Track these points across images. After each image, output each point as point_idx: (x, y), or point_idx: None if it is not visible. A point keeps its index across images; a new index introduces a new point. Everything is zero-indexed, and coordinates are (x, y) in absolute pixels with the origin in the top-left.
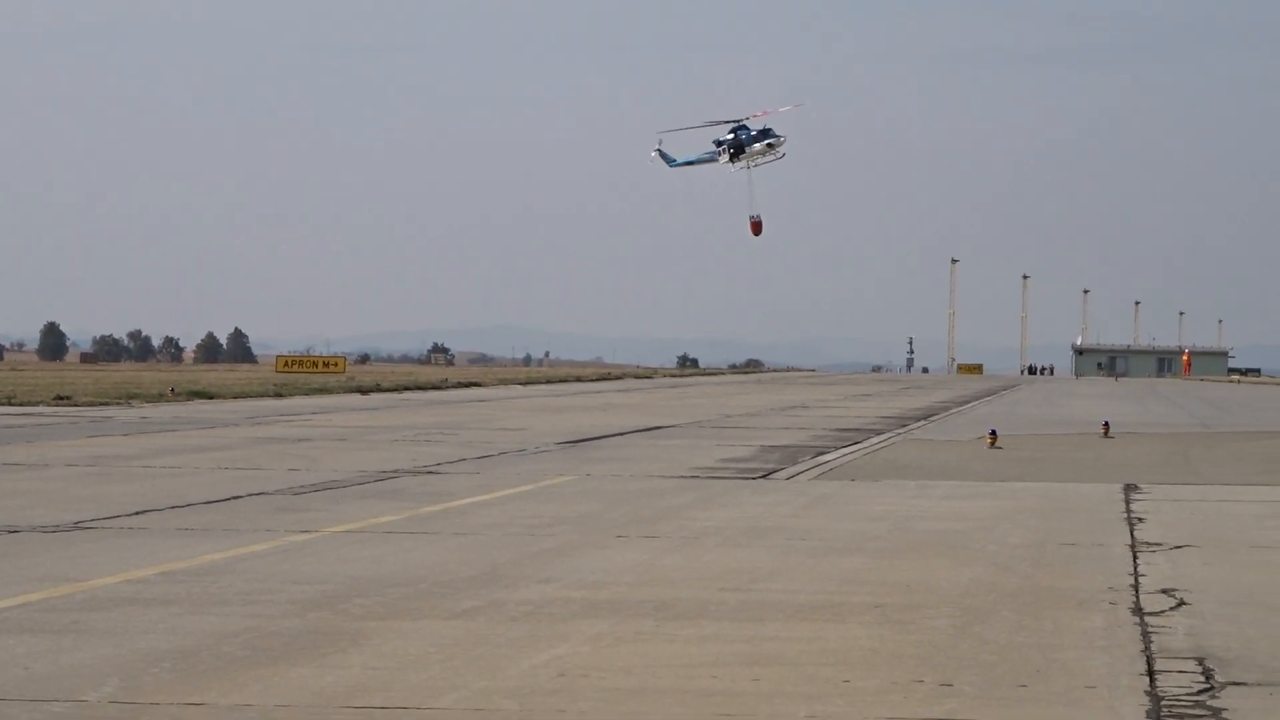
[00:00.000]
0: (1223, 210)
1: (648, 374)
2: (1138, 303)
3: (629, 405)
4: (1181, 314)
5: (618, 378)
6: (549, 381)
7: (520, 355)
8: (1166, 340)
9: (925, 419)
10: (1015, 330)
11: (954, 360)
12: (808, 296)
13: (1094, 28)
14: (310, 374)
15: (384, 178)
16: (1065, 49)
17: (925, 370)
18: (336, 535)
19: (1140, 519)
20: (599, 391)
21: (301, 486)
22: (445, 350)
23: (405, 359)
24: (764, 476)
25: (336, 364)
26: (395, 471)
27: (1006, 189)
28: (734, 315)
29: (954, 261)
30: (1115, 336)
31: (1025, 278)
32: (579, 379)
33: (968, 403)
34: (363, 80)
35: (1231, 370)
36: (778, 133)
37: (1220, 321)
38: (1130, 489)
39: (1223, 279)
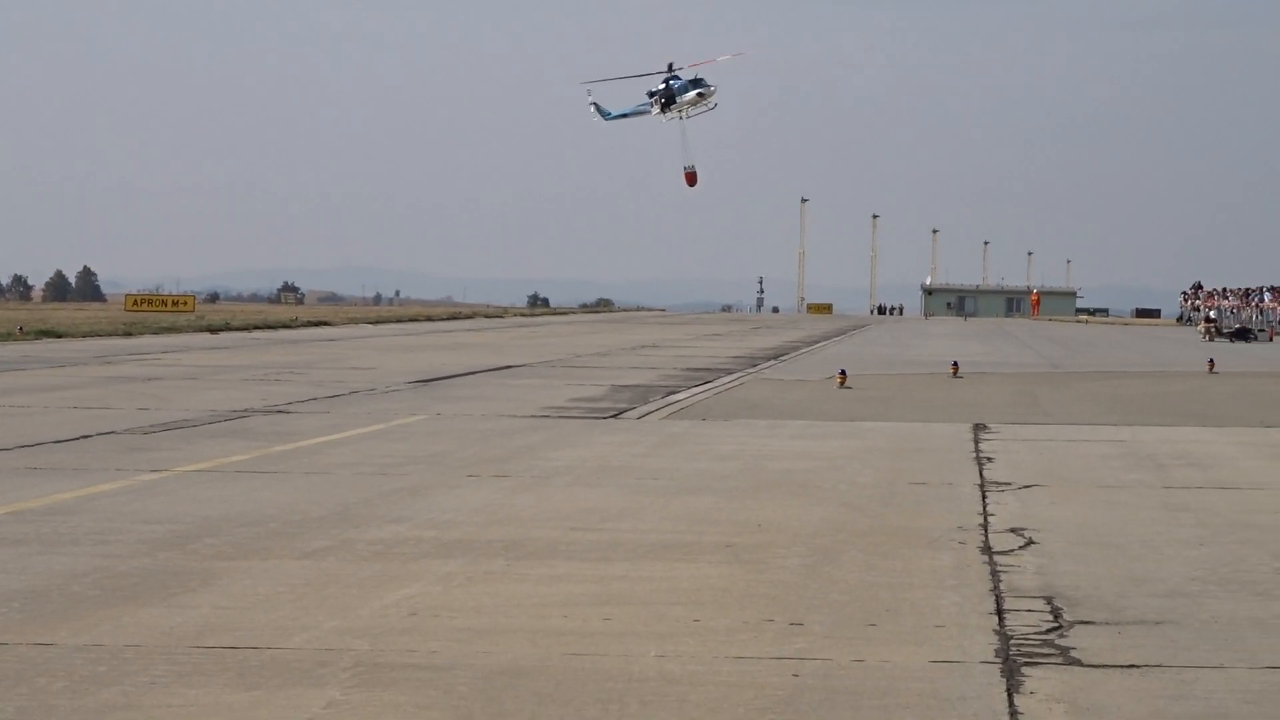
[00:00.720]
0: (1070, 152)
1: (498, 313)
2: (987, 243)
3: (480, 344)
4: (1030, 254)
5: (468, 317)
6: (399, 321)
7: (370, 294)
8: (1015, 280)
9: (775, 359)
10: (865, 270)
11: (804, 300)
12: (658, 236)
13: None
14: (159, 313)
15: (235, 117)
16: None
17: (775, 310)
18: (187, 475)
19: (989, 459)
20: (449, 331)
21: (152, 426)
22: (295, 289)
23: (255, 298)
24: (615, 416)
25: (186, 303)
26: (245, 411)
27: (856, 129)
28: (584, 255)
29: (804, 201)
30: (965, 276)
31: (875, 217)
32: (429, 318)
33: (818, 342)
34: (217, 16)
35: (1080, 310)
36: (708, 83)
37: (1069, 262)
38: (979, 429)
39: (1071, 220)
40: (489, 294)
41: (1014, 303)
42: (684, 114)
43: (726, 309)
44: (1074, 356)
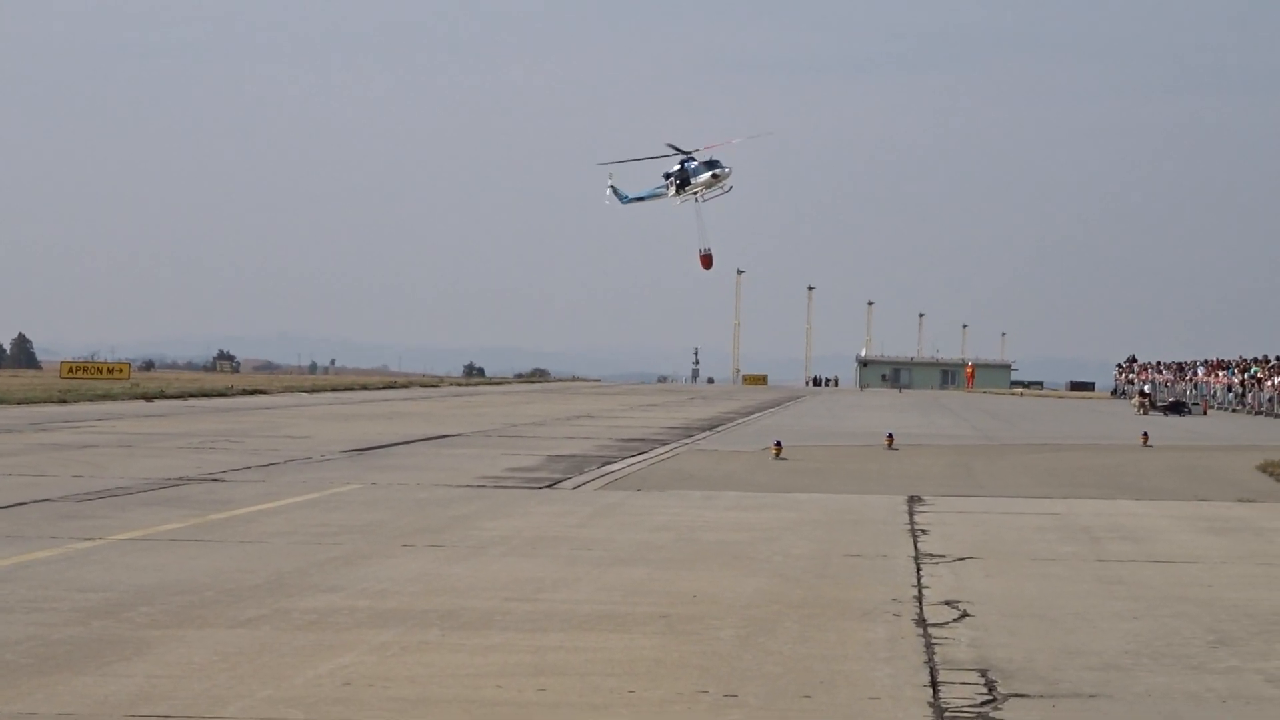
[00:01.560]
0: (1005, 224)
1: (434, 382)
2: (922, 315)
3: (416, 413)
4: (965, 326)
5: (404, 385)
6: (335, 389)
7: (306, 363)
8: (950, 353)
9: (711, 429)
10: (800, 341)
11: (739, 371)
12: (594, 306)
13: (873, 38)
14: (95, 380)
15: (171, 185)
16: (847, 59)
17: (711, 381)
18: (122, 542)
19: (924, 530)
20: (385, 399)
21: (87, 493)
22: (231, 357)
23: (191, 366)
24: (550, 486)
25: (121, 370)
26: (181, 479)
27: (791, 201)
28: (520, 324)
29: (739, 272)
30: (900, 348)
31: (810, 289)
32: (365, 387)
33: (753, 413)
34: (151, 83)
35: (1014, 383)
36: (724, 164)
37: (1003, 334)
38: (914, 501)
39: (1005, 293)
40: (425, 363)
41: (949, 375)
42: (700, 196)
43: (662, 380)
44: (1008, 429)
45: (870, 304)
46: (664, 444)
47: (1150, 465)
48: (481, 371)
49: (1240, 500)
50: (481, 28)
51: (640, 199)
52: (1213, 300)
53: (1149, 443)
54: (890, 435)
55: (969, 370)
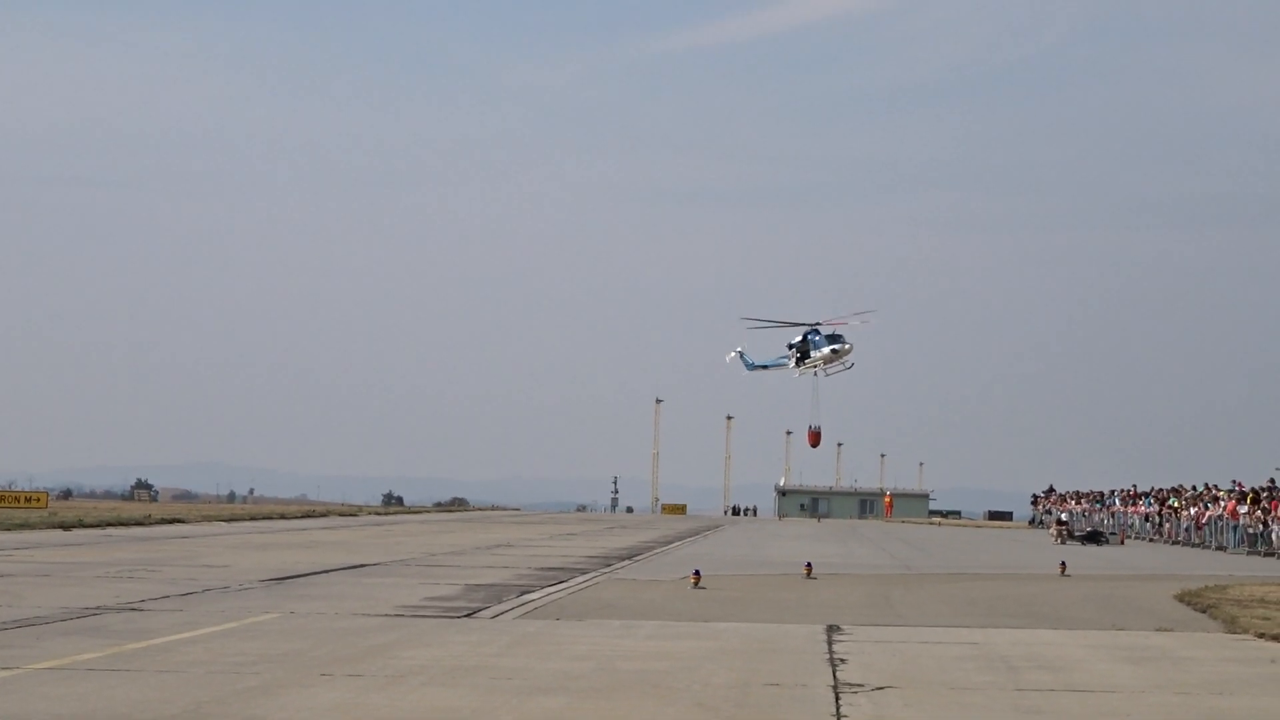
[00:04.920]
0: (921, 355)
1: (353, 511)
2: (840, 444)
3: (334, 543)
4: (883, 456)
5: (323, 515)
6: (253, 519)
7: (224, 492)
8: (868, 482)
9: (630, 559)
10: (719, 470)
11: (658, 500)
12: (512, 436)
13: (781, 168)
14: (12, 509)
15: (84, 308)
16: (751, 189)
17: (630, 510)
18: (39, 672)
19: (843, 660)
20: (304, 529)
21: (3, 623)
22: (149, 486)
23: (109, 495)
24: (469, 615)
25: (39, 499)
26: (99, 608)
27: (709, 329)
28: (439, 454)
29: (658, 401)
30: (818, 478)
31: (729, 418)
32: (284, 516)
33: (672, 543)
34: (50, 215)
35: (933, 512)
36: (846, 340)
37: (921, 464)
38: (833, 630)
39: (923, 422)
40: (343, 492)
41: (867, 504)
42: (819, 371)
43: (581, 509)
44: (927, 558)
45: (789, 434)
46: (583, 573)
47: (1068, 595)
48: (400, 500)
49: (1158, 630)
50: (412, 154)
51: (764, 367)
52: (1130, 431)
53: (1067, 572)
54: (809, 564)
55: (887, 500)
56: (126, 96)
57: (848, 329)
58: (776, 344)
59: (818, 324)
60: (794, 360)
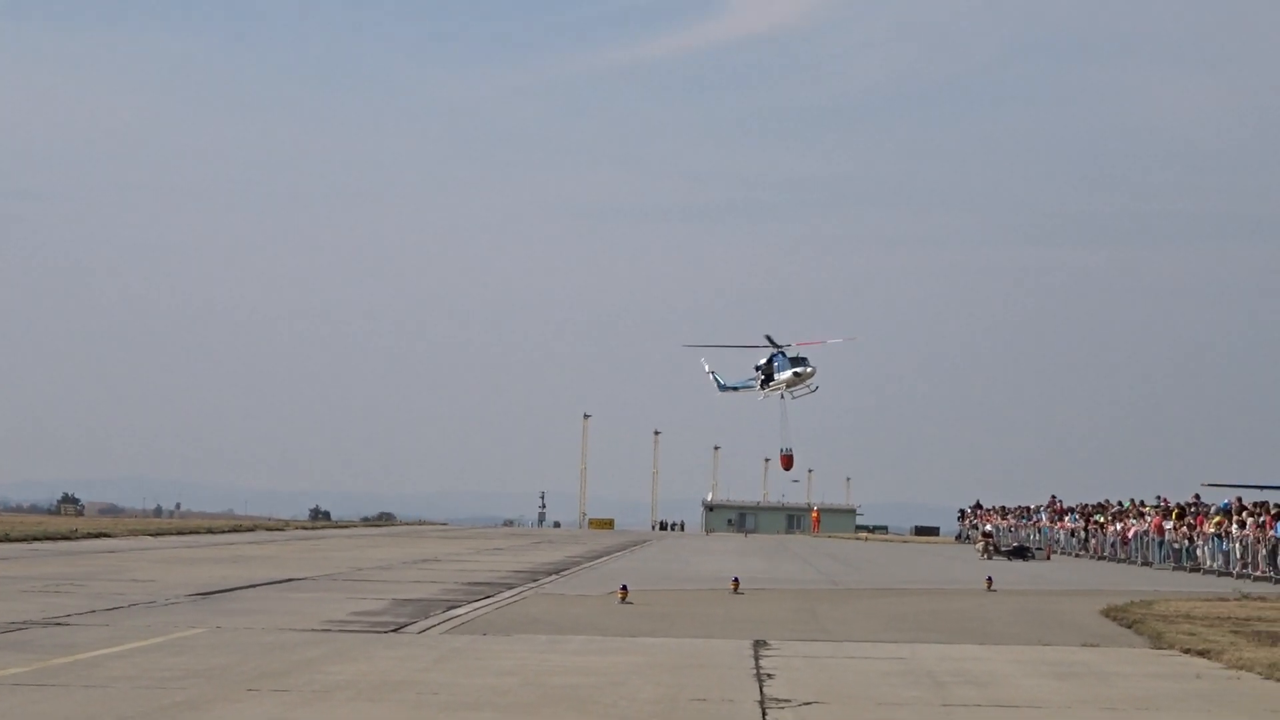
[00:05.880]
0: (848, 371)
1: (280, 526)
2: (767, 459)
3: (261, 557)
4: (810, 471)
5: (250, 529)
6: (180, 533)
7: (151, 506)
8: (796, 497)
9: (557, 573)
10: (647, 485)
11: (586, 515)
12: (439, 450)
13: (714, 186)
14: None
15: (10, 324)
16: (677, 206)
17: (557, 524)
18: None
19: (769, 675)
20: (231, 543)
21: None
22: (75, 500)
23: (35, 509)
24: (396, 630)
25: None
26: (24, 623)
27: (637, 344)
28: (366, 468)
29: (586, 416)
30: (745, 493)
31: (657, 433)
32: (210, 530)
33: (600, 557)
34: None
35: (860, 527)
36: (810, 363)
37: (848, 479)
38: (759, 645)
39: (850, 437)
40: (270, 506)
41: (794, 519)
42: (784, 393)
43: (508, 523)
44: (854, 573)
45: (716, 448)
46: (510, 588)
47: (995, 610)
48: (327, 515)
49: (1084, 645)
50: (353, 169)
51: (734, 389)
52: (1056, 447)
53: (993, 587)
54: (736, 580)
55: (814, 515)
56: (64, 110)
57: (821, 349)
58: (745, 365)
59: (784, 346)
60: (759, 383)
